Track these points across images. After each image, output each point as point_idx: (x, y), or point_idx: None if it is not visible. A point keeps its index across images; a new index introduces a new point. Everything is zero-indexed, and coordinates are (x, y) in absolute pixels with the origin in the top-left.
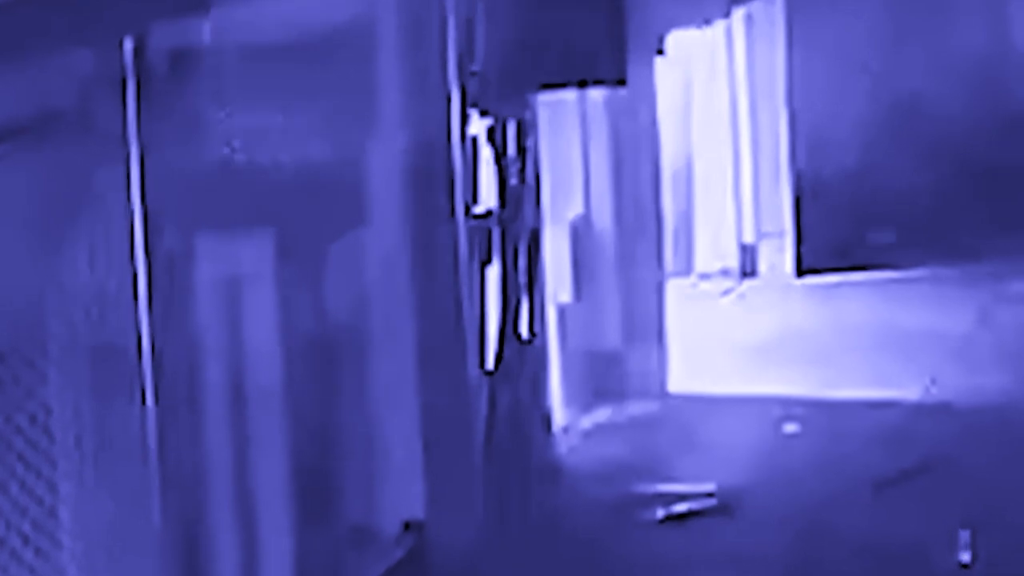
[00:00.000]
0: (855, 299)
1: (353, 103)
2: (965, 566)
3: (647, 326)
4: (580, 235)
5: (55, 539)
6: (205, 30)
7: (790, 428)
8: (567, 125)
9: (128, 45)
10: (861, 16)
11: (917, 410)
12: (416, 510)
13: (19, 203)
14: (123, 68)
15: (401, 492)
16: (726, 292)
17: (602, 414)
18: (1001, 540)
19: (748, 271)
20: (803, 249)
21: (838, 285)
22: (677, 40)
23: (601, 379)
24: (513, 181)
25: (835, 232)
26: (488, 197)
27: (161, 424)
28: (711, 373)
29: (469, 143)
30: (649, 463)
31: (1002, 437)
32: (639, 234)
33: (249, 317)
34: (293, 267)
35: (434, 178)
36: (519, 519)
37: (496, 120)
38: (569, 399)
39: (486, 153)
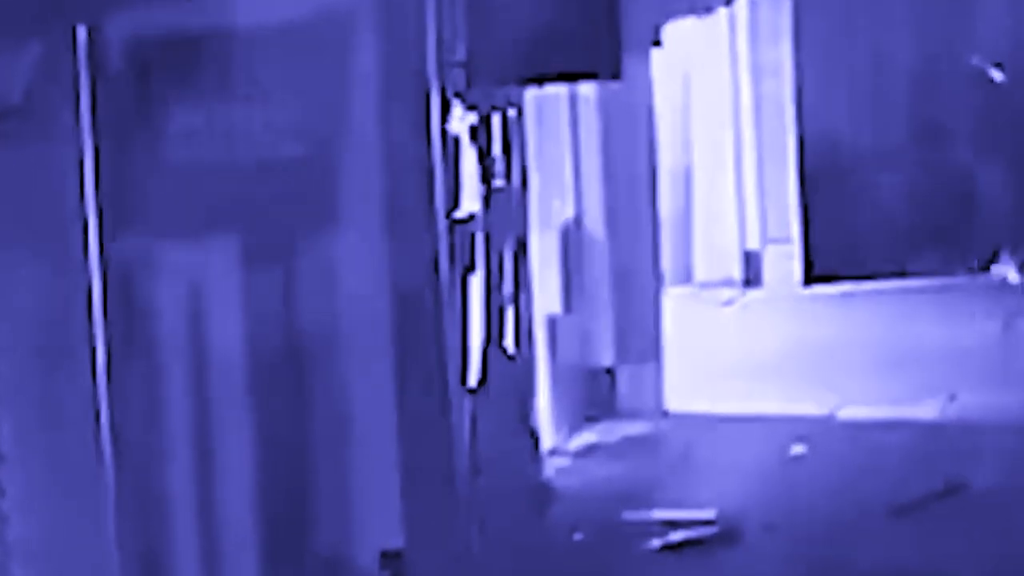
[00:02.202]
0: (868, 310)
1: (324, 97)
2: None
3: (643, 340)
4: (570, 241)
5: (6, 571)
6: (165, 18)
7: (797, 450)
8: (557, 122)
9: (82, 34)
10: (875, 2)
11: (935, 430)
12: (394, 538)
13: None
14: (76, 59)
15: (377, 519)
16: (728, 302)
17: (594, 435)
18: None
19: (752, 280)
20: (812, 256)
21: (849, 295)
22: (675, 30)
23: (593, 397)
24: (498, 182)
25: (846, 237)
26: (470, 200)
27: (118, 446)
28: (712, 390)
29: (450, 141)
30: (645, 487)
31: None
32: (634, 240)
33: (213, 329)
34: (259, 276)
35: (412, 179)
36: (505, 547)
37: (479, 116)
38: (559, 418)
39: (468, 152)
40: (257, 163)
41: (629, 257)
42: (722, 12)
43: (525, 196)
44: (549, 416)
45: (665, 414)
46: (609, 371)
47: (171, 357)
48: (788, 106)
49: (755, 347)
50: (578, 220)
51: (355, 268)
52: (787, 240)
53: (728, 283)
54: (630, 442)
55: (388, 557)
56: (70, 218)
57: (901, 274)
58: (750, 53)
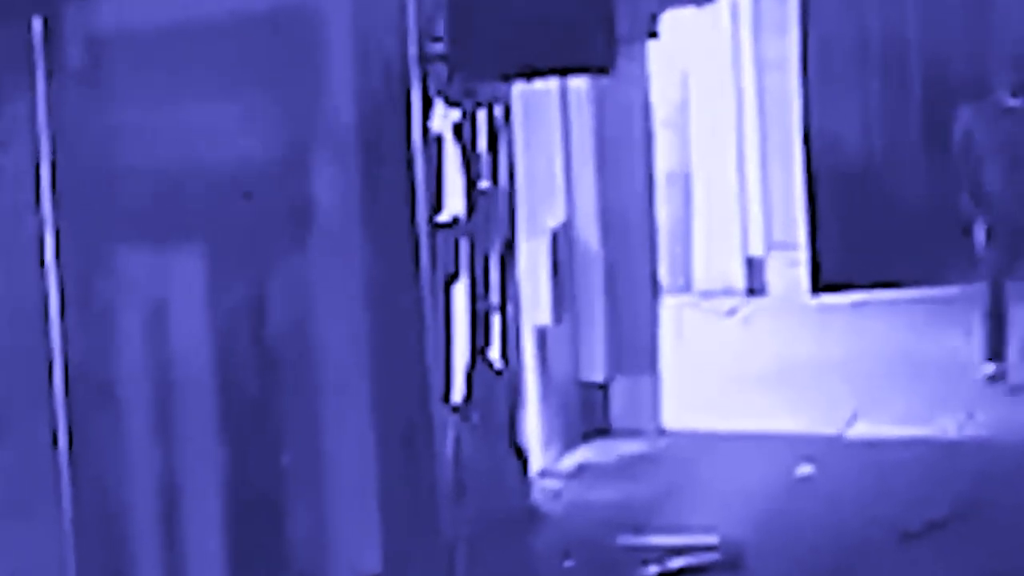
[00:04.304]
0: (880, 321)
1: (296, 94)
2: None
3: (639, 352)
4: (561, 247)
5: None
6: (126, 10)
7: (804, 470)
8: (546, 119)
9: (37, 26)
10: None
11: (952, 449)
12: (372, 564)
13: None
14: (31, 53)
15: (354, 543)
16: (730, 312)
17: (586, 454)
18: None
19: (756, 288)
20: (819, 263)
21: (860, 305)
22: (673, 20)
23: (586, 414)
24: (483, 184)
25: (856, 242)
26: (454, 203)
27: (76, 466)
28: (713, 407)
29: (432, 140)
30: (641, 511)
31: None
32: (629, 245)
33: (178, 343)
34: (228, 285)
35: (391, 181)
36: (490, 575)
37: (464, 113)
38: (549, 437)
39: (452, 152)
40: (224, 165)
41: (624, 264)
42: (723, 1)
43: (512, 199)
44: (538, 434)
45: (663, 432)
46: (603, 386)
47: (133, 372)
48: (794, 102)
49: (759, 360)
50: (569, 224)
51: (330, 277)
52: (793, 246)
53: (730, 292)
54: (625, 462)
55: None
56: (24, 223)
57: (916, 282)
58: (753, 45)
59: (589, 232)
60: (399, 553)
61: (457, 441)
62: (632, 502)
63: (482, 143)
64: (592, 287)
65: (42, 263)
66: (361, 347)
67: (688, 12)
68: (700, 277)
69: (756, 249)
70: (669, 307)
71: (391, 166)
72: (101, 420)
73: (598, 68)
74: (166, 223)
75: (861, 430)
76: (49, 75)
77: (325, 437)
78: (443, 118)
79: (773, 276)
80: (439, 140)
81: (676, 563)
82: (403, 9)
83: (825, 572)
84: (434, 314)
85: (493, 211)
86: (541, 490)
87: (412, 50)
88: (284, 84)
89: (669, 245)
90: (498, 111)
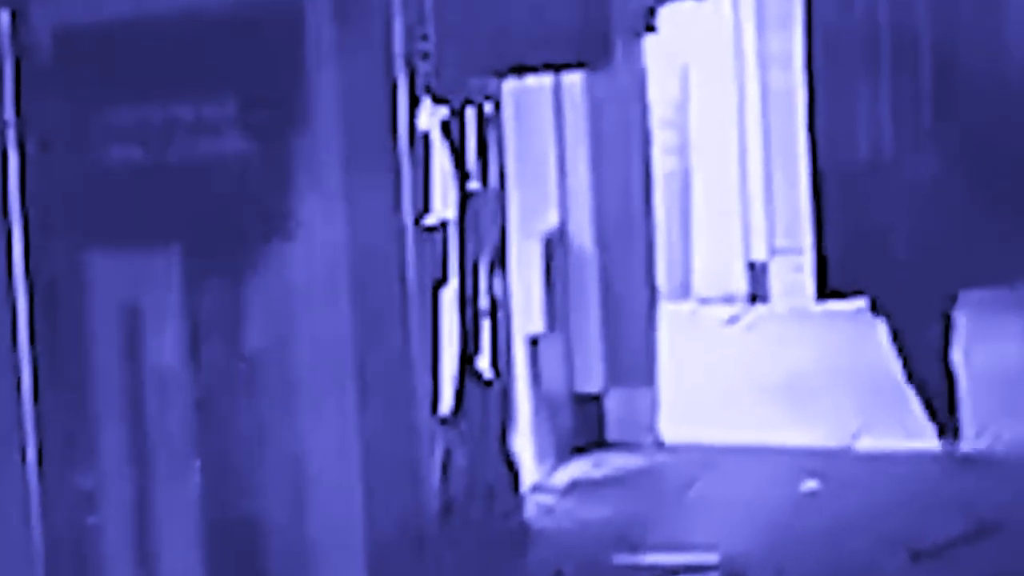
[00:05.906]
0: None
1: (277, 90)
2: None
3: (635, 362)
4: (554, 251)
5: None
6: (98, 3)
7: (809, 485)
8: (539, 117)
9: (4, 19)
10: None
11: (965, 464)
12: None
13: None
14: None
15: (338, 564)
16: (731, 320)
17: (581, 468)
18: None
19: (758, 295)
20: (825, 268)
21: (867, 311)
22: (672, 14)
23: (580, 426)
24: (473, 185)
25: (863, 246)
26: (443, 205)
27: (45, 486)
28: (713, 419)
29: (419, 139)
30: (638, 528)
31: None
32: (626, 250)
33: (151, 352)
34: (205, 289)
35: (376, 182)
36: None
37: (452, 111)
38: (542, 450)
39: (440, 151)
40: (201, 164)
41: (620, 269)
42: None
43: (503, 200)
44: (530, 448)
45: (661, 445)
46: (598, 397)
47: (105, 382)
48: (799, 99)
49: (761, 370)
50: (563, 227)
51: (312, 282)
52: (797, 250)
53: (731, 298)
54: (621, 477)
55: None
56: None
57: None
58: (756, 40)
59: (584, 235)
60: (384, 571)
61: (445, 454)
62: (628, 519)
63: (472, 142)
64: (587, 293)
65: (10, 265)
66: (345, 355)
67: (688, 5)
68: (700, 283)
69: (759, 253)
70: (667, 314)
71: (376, 166)
72: (71, 433)
73: (593, 64)
74: (140, 224)
75: (869, 443)
76: (17, 69)
77: (307, 450)
78: (431, 116)
79: (776, 282)
80: (426, 139)
81: None
82: (389, 3)
83: None
84: (421, 321)
85: (483, 213)
86: (533, 506)
87: (399, 44)
88: (266, 80)
89: (667, 249)
90: (488, 109)
